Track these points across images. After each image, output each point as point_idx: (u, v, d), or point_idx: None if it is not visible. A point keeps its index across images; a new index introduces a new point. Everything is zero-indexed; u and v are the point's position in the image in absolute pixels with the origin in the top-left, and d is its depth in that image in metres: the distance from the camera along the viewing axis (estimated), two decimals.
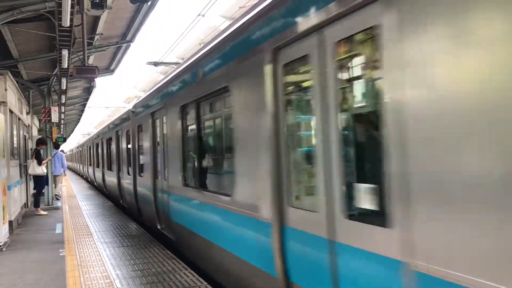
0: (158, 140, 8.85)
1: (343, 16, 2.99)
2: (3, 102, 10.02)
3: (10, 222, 9.54)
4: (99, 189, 20.98)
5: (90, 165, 25.24)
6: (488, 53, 2.03)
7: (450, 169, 2.22)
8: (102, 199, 17.16)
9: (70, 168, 53.38)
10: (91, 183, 26.05)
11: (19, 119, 12.65)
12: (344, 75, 3.21)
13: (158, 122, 8.76)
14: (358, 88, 3.23)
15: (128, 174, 11.82)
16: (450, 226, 2.23)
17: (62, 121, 21.07)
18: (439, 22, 2.26)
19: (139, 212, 10.99)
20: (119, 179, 13.74)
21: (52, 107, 14.44)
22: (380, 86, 2.75)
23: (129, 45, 13.44)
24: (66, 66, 10.38)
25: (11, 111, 10.66)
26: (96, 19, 10.29)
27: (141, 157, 10.57)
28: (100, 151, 19.22)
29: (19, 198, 11.63)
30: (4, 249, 8.05)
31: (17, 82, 12.26)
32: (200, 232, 6.16)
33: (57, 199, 16.20)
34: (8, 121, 10.08)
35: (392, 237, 2.60)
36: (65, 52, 9.43)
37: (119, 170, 13.64)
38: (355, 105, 3.24)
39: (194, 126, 6.68)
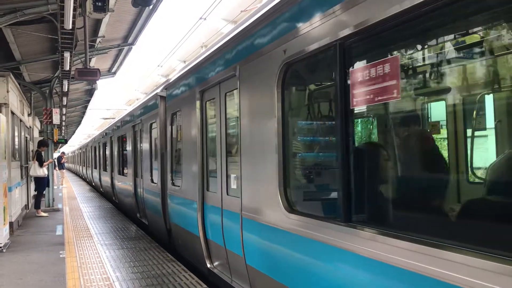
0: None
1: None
2: (5, 103, 10.06)
3: (11, 224, 9.56)
4: (114, 203, 15.86)
5: (105, 170, 18.36)
6: None
7: None
8: (103, 201, 17.18)
9: (72, 171, 53.45)
10: (107, 197, 18.53)
11: (21, 120, 12.69)
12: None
13: None
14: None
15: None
16: None
17: (64, 123, 21.11)
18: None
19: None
20: (164, 196, 8.27)
21: (53, 109, 14.47)
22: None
23: (131, 47, 13.49)
24: (68, 68, 10.41)
25: (12, 113, 10.70)
26: (98, 21, 10.34)
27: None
28: (117, 149, 14.82)
29: (19, 199, 11.65)
30: (4, 250, 8.06)
31: (19, 83, 12.30)
32: None
33: None
34: (10, 122, 10.12)
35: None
36: (67, 55, 9.47)
37: (164, 181, 8.29)
38: None
39: None
